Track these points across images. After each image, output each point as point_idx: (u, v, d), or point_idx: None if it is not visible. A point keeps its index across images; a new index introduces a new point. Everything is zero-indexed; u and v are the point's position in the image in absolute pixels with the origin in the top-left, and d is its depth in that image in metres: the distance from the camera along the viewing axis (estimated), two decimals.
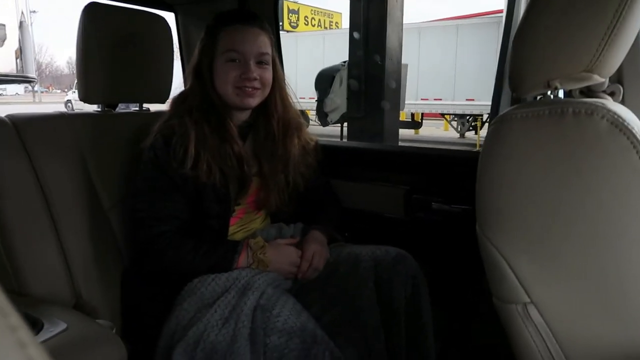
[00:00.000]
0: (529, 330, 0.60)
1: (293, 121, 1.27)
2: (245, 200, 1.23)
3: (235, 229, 1.24)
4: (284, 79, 1.27)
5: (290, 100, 1.28)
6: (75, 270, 1.15)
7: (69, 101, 17.39)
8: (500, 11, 9.10)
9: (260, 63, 1.16)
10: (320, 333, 0.96)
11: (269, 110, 1.23)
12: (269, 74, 1.18)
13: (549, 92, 0.72)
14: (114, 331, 1.00)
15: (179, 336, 0.97)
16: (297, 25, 14.14)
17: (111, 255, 1.25)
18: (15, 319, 0.18)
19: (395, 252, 1.16)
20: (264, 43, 1.17)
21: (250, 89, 1.14)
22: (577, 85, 0.71)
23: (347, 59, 6.18)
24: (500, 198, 0.62)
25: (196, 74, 1.19)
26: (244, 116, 1.23)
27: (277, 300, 1.00)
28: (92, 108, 1.38)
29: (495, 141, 0.64)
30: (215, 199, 1.15)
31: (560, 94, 0.76)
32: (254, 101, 1.17)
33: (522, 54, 0.69)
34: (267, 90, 1.19)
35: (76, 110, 1.15)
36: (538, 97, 0.78)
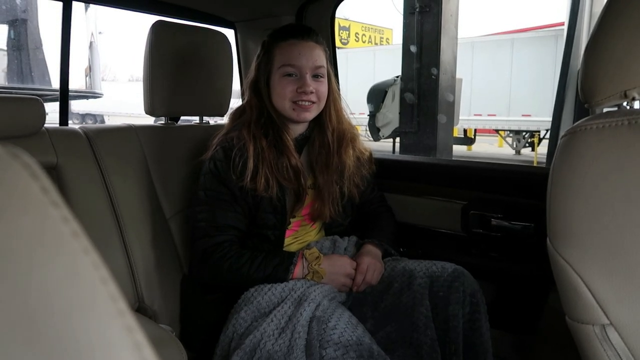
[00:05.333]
0: (607, 354, 0.56)
1: (347, 132, 1.27)
2: (301, 212, 1.24)
3: (290, 241, 1.25)
4: (339, 92, 1.28)
5: (344, 112, 1.29)
6: (138, 275, 1.19)
7: None
8: (557, 25, 8.80)
9: (316, 77, 1.17)
10: (377, 348, 0.94)
11: (324, 122, 1.23)
12: (324, 88, 1.19)
13: (624, 103, 0.68)
14: (174, 335, 1.03)
15: (236, 344, 0.99)
16: (348, 41, 14.24)
17: (171, 263, 1.29)
18: (130, 319, 0.18)
19: (452, 269, 1.12)
20: (319, 56, 1.18)
21: (306, 104, 1.16)
22: None
23: (398, 74, 6.14)
24: (575, 211, 0.59)
25: (254, 89, 1.22)
26: (300, 129, 1.25)
27: (332, 312, 1.00)
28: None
29: (568, 153, 0.61)
30: (272, 211, 1.17)
31: (636, 105, 0.72)
32: (310, 115, 1.19)
33: (596, 65, 0.66)
34: (323, 103, 1.20)
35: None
36: (604, 110, 0.75)
